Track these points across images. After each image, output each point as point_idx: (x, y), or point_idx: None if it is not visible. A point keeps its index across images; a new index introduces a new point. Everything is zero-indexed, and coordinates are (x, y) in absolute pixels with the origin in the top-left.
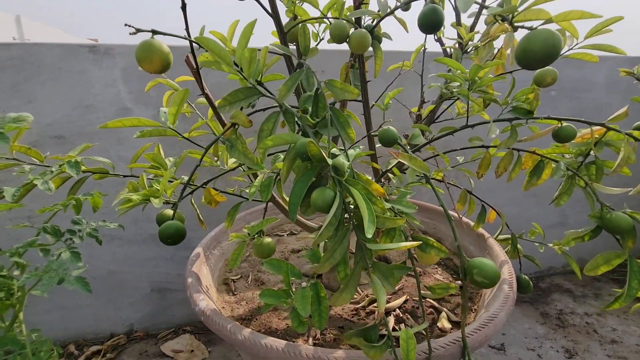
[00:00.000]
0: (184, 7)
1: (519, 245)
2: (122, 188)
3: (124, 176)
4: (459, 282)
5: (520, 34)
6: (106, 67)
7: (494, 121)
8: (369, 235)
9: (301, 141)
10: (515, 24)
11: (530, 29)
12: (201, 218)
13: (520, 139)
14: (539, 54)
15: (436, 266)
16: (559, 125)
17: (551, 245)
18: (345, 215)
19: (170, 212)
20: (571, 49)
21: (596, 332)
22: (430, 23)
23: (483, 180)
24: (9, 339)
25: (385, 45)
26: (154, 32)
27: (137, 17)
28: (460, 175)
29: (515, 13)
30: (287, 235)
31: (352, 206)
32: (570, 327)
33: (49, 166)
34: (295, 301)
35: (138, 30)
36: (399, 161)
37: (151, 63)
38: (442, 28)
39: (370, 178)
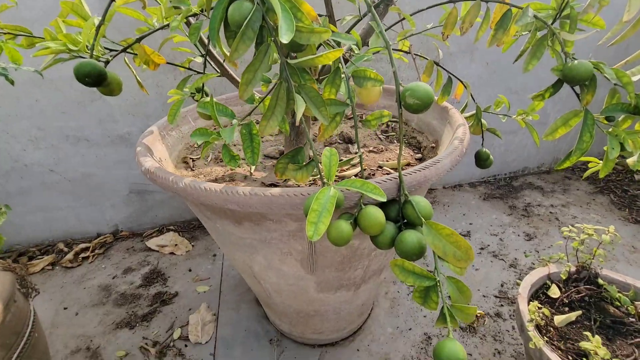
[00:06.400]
0: None
1: (483, 120)
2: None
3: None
4: (420, 155)
5: None
6: None
7: None
8: (284, 40)
9: None
10: None
11: None
12: (139, 79)
13: None
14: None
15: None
16: None
17: (514, 116)
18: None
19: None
20: None
21: (557, 219)
22: None
23: (452, 57)
24: None
25: None
26: None
27: None
28: (429, 48)
29: None
30: None
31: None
32: (535, 216)
33: None
34: (222, 133)
35: None
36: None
37: None
38: None
39: None
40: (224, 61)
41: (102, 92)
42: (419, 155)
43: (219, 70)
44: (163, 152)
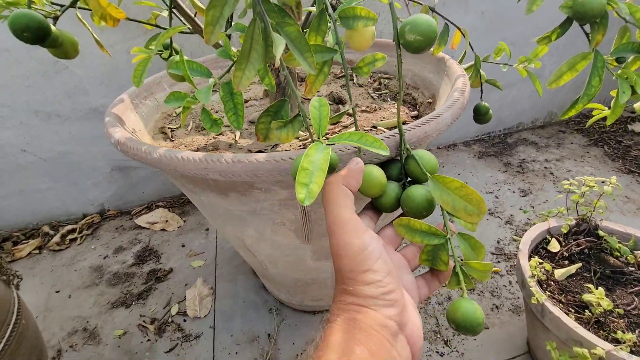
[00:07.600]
0: None
1: (482, 71)
2: None
3: None
4: (416, 112)
5: None
6: None
7: None
8: None
9: None
10: None
11: None
12: (97, 38)
13: None
14: None
15: (393, 102)
16: None
17: (516, 65)
18: None
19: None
20: None
21: (552, 174)
22: None
23: (446, 7)
24: None
25: None
26: None
27: None
28: None
29: None
30: None
31: None
32: (530, 172)
33: None
34: (198, 95)
35: None
36: None
37: None
38: None
39: None
40: (195, 15)
41: (55, 55)
42: (415, 113)
43: (190, 27)
44: (137, 122)
